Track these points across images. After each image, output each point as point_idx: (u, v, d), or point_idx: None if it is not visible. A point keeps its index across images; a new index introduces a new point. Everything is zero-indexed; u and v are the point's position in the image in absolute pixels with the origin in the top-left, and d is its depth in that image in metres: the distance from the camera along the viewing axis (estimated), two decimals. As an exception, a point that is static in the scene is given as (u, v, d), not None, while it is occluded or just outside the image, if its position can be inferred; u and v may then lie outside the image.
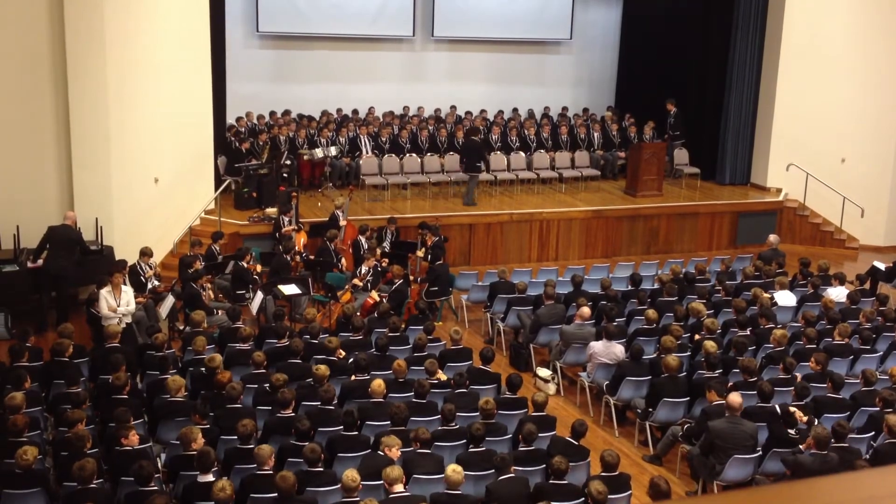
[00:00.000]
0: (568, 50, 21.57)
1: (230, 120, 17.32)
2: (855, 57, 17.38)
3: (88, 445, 7.23)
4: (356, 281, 12.37)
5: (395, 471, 6.80)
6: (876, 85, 17.33)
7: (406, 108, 19.73)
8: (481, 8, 20.24)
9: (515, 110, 20.48)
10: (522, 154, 17.60)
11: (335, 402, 8.42)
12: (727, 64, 18.21)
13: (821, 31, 17.48)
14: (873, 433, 8.50)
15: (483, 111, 20.04)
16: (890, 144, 17.51)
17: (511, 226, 15.77)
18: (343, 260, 13.33)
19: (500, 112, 20.17)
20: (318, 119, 18.51)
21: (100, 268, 11.64)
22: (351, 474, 6.68)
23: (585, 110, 20.83)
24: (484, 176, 17.25)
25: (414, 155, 17.00)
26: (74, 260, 11.79)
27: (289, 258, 12.77)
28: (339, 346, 9.60)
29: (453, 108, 19.98)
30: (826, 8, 17.44)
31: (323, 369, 8.69)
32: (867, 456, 8.11)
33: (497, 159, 17.40)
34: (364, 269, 12.47)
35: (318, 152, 16.44)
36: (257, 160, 15.74)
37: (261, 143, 16.21)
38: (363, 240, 13.36)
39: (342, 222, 13.99)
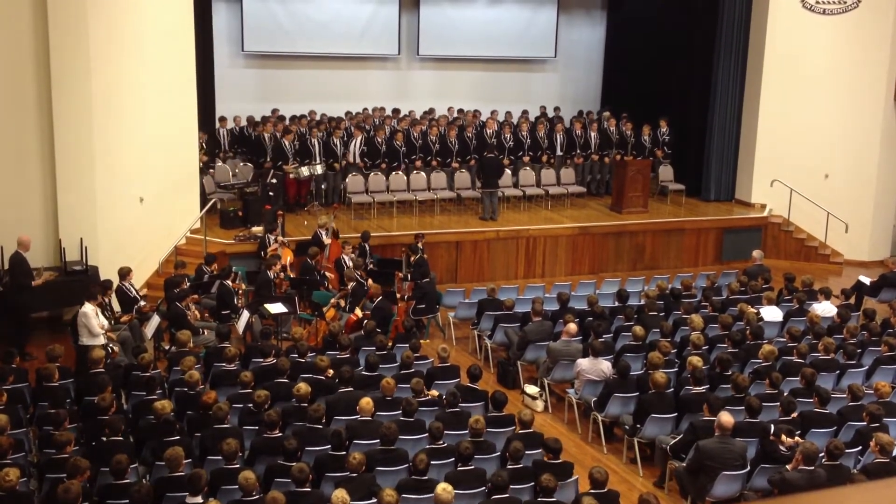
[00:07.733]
0: (553, 68, 21.69)
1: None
2: (836, 74, 17.53)
3: (87, 475, 7.14)
4: (334, 299, 12.34)
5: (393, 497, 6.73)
6: (857, 101, 17.48)
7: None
8: (466, 27, 20.32)
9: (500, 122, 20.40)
10: (508, 172, 17.59)
11: (323, 420, 8.38)
12: (711, 82, 18.36)
13: (802, 49, 17.66)
14: (860, 448, 8.52)
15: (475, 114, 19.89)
16: (872, 159, 17.64)
17: (497, 243, 15.80)
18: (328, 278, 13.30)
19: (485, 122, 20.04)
20: (308, 116, 18.27)
21: (84, 288, 11.55)
22: (340, 494, 6.63)
23: (589, 113, 20.75)
24: (469, 193, 17.26)
25: (400, 173, 16.96)
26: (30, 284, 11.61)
27: (272, 276, 12.72)
28: (329, 365, 9.55)
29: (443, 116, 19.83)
30: (807, 26, 17.61)
31: (304, 388, 8.64)
32: (856, 470, 8.12)
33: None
34: (349, 286, 12.45)
35: (304, 171, 16.39)
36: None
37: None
38: (346, 258, 13.33)
39: (326, 241, 13.96)
